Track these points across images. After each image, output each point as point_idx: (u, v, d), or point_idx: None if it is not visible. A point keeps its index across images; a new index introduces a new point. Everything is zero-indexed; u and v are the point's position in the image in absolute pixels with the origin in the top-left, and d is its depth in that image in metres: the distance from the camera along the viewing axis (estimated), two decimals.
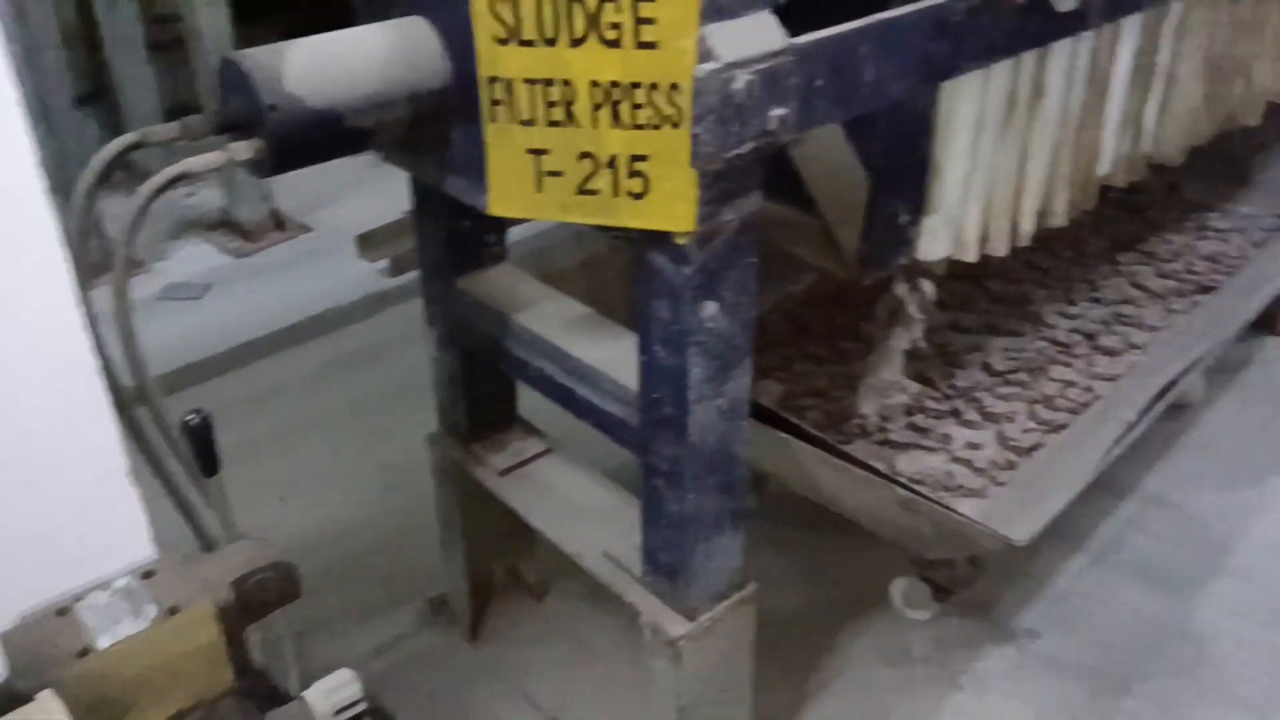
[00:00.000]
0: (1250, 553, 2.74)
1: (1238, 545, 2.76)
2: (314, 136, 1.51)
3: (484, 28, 1.48)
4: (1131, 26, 2.14)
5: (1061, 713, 2.36)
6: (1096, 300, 3.00)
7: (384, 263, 2.49)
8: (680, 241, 1.54)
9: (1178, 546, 2.77)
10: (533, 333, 2.01)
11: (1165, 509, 2.89)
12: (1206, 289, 3.02)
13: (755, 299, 1.67)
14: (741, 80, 1.39)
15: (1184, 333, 2.73)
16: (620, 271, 2.40)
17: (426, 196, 2.09)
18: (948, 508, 1.99)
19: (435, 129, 1.65)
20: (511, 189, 1.61)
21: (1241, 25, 2.50)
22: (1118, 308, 2.96)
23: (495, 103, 1.54)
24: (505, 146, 1.57)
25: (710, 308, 1.61)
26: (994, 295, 3.04)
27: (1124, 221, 3.40)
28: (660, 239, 1.57)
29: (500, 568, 2.63)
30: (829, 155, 1.97)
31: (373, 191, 4.14)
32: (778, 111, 1.46)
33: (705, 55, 1.38)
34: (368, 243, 2.53)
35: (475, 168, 1.62)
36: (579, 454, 2.31)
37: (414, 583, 2.72)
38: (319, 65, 1.49)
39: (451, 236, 2.14)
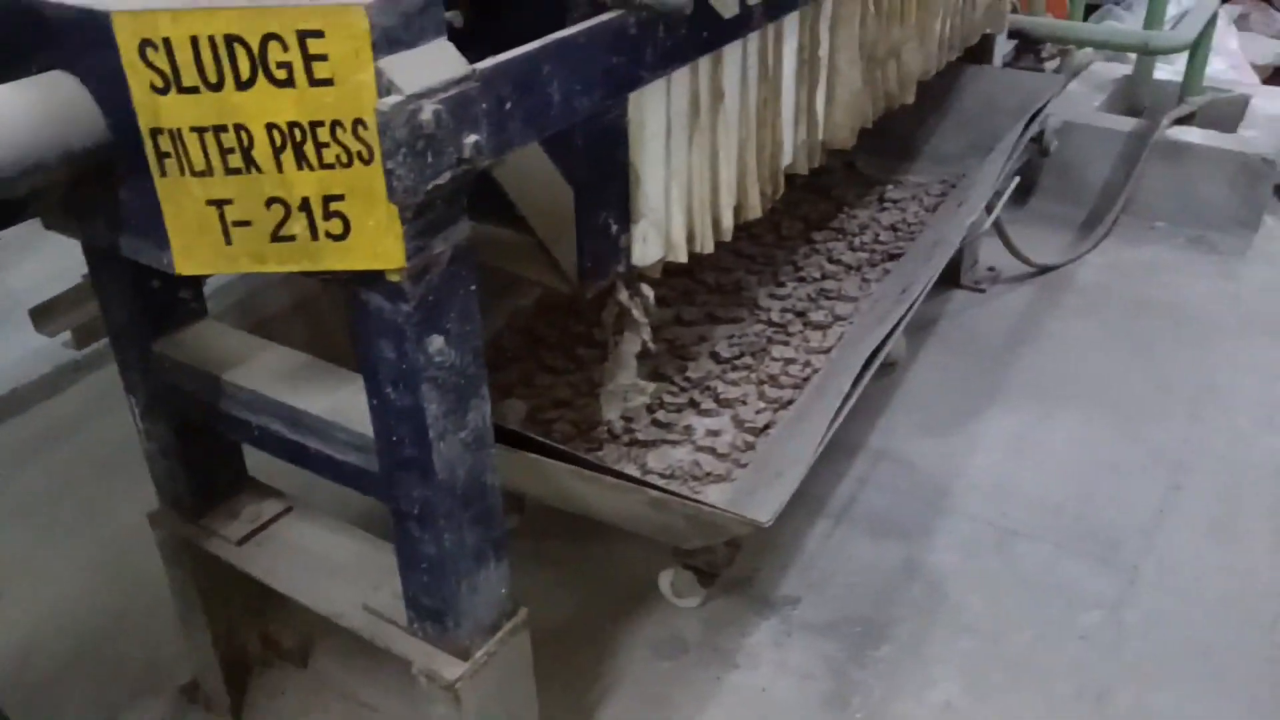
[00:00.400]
0: (965, 491, 3.02)
1: (954, 486, 3.04)
2: None
3: (138, 78, 1.36)
4: (791, 25, 2.30)
5: (828, 672, 2.50)
6: (801, 279, 3.21)
7: (66, 335, 2.25)
8: (394, 279, 1.49)
9: (904, 496, 3.01)
10: (248, 390, 1.89)
11: (889, 462, 3.13)
12: (894, 256, 3.30)
13: (482, 325, 1.65)
14: (428, 110, 1.36)
15: (880, 300, 2.97)
16: (339, 311, 2.31)
17: (104, 259, 1.91)
18: (694, 500, 2.05)
19: (101, 189, 1.51)
20: (197, 244, 1.49)
21: (888, 14, 2.75)
22: (820, 284, 3.17)
23: (163, 155, 1.42)
24: (182, 200, 1.46)
25: (437, 341, 1.57)
26: (711, 286, 3.18)
27: (814, 202, 3.66)
28: (373, 278, 1.51)
29: (254, 639, 2.45)
30: (532, 173, 1.98)
31: (43, 255, 3.75)
32: (471, 138, 1.44)
33: (387, 88, 1.34)
34: (44, 315, 2.27)
35: (153, 226, 1.49)
36: (324, 507, 2.20)
37: (161, 671, 2.49)
38: None
39: (140, 298, 1.97)
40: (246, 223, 1.47)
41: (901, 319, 2.63)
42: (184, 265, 1.52)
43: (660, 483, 2.29)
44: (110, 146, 1.45)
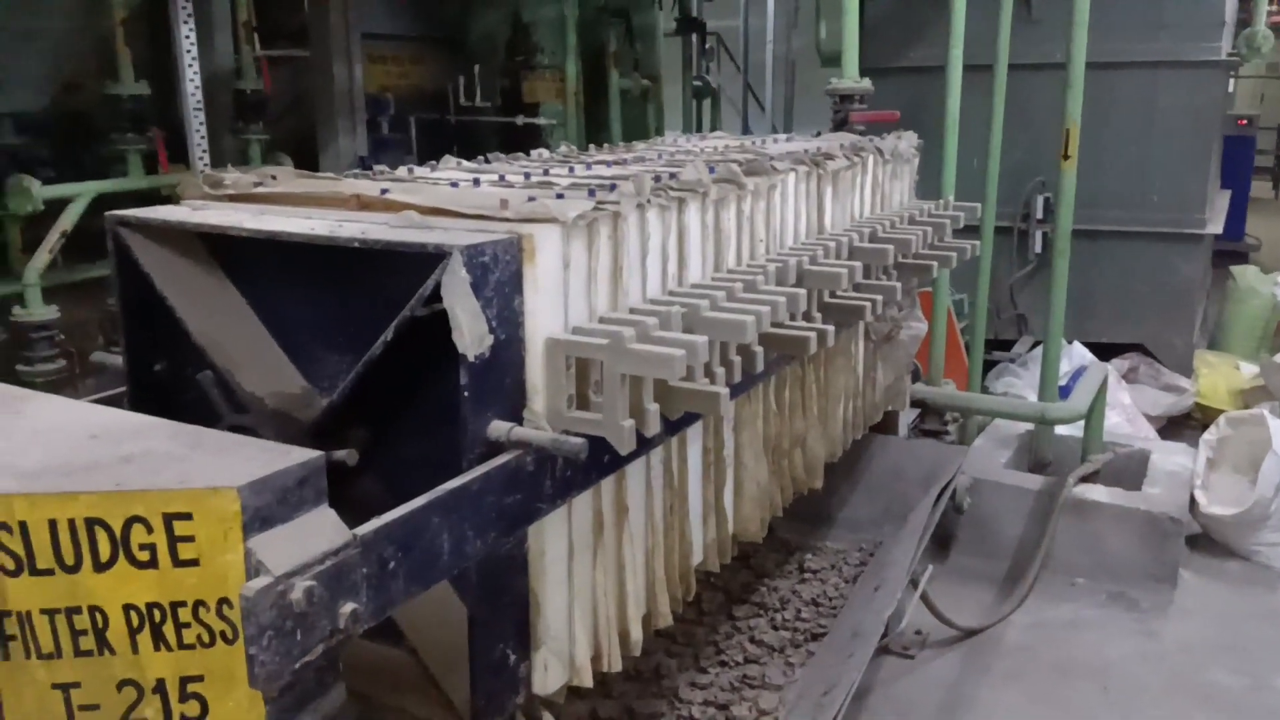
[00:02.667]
0: None
1: None
2: None
3: None
4: (695, 432, 2.34)
5: None
6: (723, 664, 3.08)
7: None
8: None
9: None
10: None
11: None
12: (816, 636, 3.21)
13: None
14: (300, 589, 1.29)
15: (804, 696, 2.84)
16: None
17: None
18: None
19: None
20: None
21: (790, 407, 2.83)
22: (743, 669, 3.04)
23: (8, 639, 1.31)
24: (25, 685, 1.33)
25: None
26: (629, 673, 3.02)
27: (734, 571, 3.60)
28: None
29: None
30: (426, 600, 1.88)
31: None
32: (349, 607, 1.37)
33: (255, 570, 1.27)
34: None
35: None
36: None
37: None
38: None
39: None
40: (94, 706, 1.34)
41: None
42: None
43: None
44: None
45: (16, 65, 4.54)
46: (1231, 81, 8.45)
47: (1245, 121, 12.47)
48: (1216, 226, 6.48)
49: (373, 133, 6.60)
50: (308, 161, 5.74)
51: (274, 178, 2.16)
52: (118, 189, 4.81)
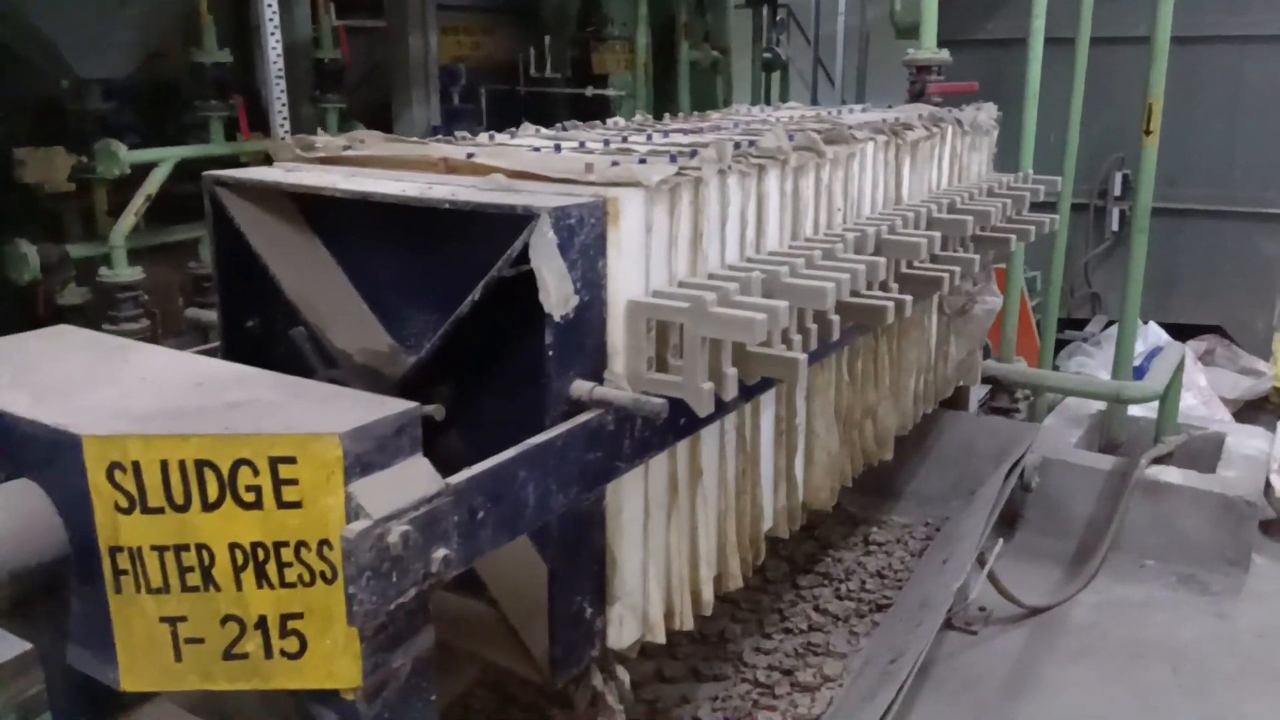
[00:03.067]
0: None
1: None
2: None
3: (102, 498, 1.35)
4: (768, 399, 2.35)
5: None
6: (788, 630, 3.11)
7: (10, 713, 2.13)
8: (349, 697, 1.42)
9: None
10: None
11: None
12: (881, 607, 3.22)
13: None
14: (396, 533, 1.34)
15: (870, 663, 2.86)
16: None
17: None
18: None
19: (53, 600, 1.46)
20: (145, 661, 1.42)
21: (862, 378, 2.83)
22: (807, 636, 3.06)
23: (120, 573, 1.39)
24: (135, 617, 1.40)
25: None
26: (694, 636, 3.06)
27: (799, 542, 3.61)
28: (325, 693, 1.43)
29: None
30: (508, 554, 1.93)
31: None
32: (440, 552, 1.42)
33: (355, 513, 1.33)
34: None
35: (102, 639, 1.43)
36: None
37: None
38: None
39: (88, 680, 1.86)
40: (199, 640, 1.41)
41: (900, 690, 2.50)
42: (129, 681, 1.44)
43: None
44: (68, 559, 1.42)
45: (107, 33, 4.66)
46: None
47: None
48: None
49: (444, 103, 6.67)
50: (382, 130, 5.83)
51: (363, 141, 2.21)
52: (200, 154, 4.93)
